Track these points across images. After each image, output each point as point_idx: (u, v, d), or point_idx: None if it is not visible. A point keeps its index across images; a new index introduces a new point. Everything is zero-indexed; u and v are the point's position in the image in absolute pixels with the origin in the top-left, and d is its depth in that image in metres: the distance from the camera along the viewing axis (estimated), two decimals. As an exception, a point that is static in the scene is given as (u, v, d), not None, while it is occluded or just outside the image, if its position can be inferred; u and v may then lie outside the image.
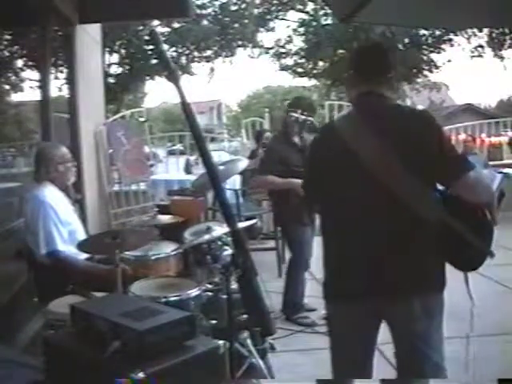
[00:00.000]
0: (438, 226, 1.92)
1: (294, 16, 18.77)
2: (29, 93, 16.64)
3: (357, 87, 2.14)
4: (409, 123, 1.98)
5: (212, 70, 17.81)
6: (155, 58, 12.70)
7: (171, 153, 11.74)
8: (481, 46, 16.68)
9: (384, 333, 2.12)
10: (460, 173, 1.91)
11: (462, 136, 9.43)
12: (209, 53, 17.00)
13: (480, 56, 16.92)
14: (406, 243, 1.95)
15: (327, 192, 2.12)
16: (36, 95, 15.32)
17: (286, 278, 4.39)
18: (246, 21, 16.41)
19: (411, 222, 1.93)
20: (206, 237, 2.91)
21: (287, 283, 4.35)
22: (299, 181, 3.96)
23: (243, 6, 16.66)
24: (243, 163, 3.52)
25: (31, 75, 15.73)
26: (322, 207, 2.20)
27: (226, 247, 2.98)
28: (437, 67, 17.43)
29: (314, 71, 18.86)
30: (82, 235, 3.24)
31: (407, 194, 1.91)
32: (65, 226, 3.12)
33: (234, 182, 6.47)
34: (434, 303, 2.01)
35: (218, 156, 8.29)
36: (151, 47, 13.24)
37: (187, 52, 16.76)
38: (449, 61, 17.50)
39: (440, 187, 2.02)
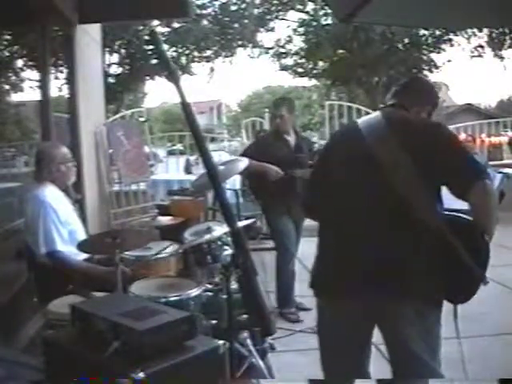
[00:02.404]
0: (434, 254, 1.93)
1: (294, 16, 18.86)
2: (29, 93, 16.66)
3: (388, 100, 2.23)
4: (423, 136, 2.00)
5: (212, 69, 17.84)
6: (155, 58, 12.68)
7: (171, 153, 11.76)
8: (481, 46, 16.71)
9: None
10: (478, 178, 1.90)
11: (462, 136, 9.43)
12: (209, 53, 17.02)
13: (480, 56, 16.95)
14: (405, 248, 1.94)
15: (332, 191, 2.12)
16: (36, 95, 15.33)
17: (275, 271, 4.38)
18: (246, 21, 16.42)
19: (413, 229, 1.93)
20: (206, 237, 2.91)
21: (276, 277, 4.33)
22: (273, 166, 4.08)
23: (243, 5, 16.67)
24: (243, 163, 3.52)
25: (31, 75, 15.77)
26: (323, 206, 2.18)
27: (226, 247, 2.98)
28: (437, 67, 17.45)
29: (314, 71, 18.89)
30: (82, 235, 3.23)
31: (412, 201, 1.91)
32: (65, 226, 3.12)
33: (233, 182, 6.48)
34: (428, 307, 1.99)
35: (218, 156, 8.30)
36: (151, 47, 13.24)
37: (187, 52, 16.77)
38: (449, 61, 17.56)
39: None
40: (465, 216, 1.97)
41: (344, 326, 2.06)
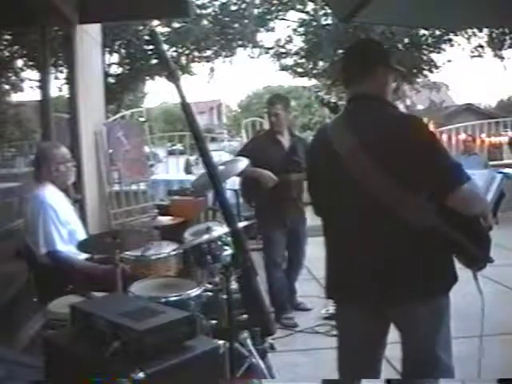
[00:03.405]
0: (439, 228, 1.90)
1: (294, 16, 18.75)
2: (29, 93, 16.65)
3: (347, 90, 2.11)
4: (396, 132, 1.90)
5: (212, 69, 17.81)
6: (155, 58, 12.69)
7: (171, 153, 11.75)
8: (481, 46, 16.67)
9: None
10: (453, 186, 1.84)
11: (462, 136, 9.44)
12: (209, 53, 16.98)
13: (480, 56, 16.92)
14: (403, 245, 1.93)
15: (324, 196, 2.13)
16: (36, 95, 15.32)
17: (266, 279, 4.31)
18: (246, 21, 16.40)
19: (404, 226, 1.89)
20: (206, 237, 2.91)
21: (267, 285, 4.24)
22: (266, 172, 4.01)
23: (243, 6, 16.64)
24: (243, 163, 3.52)
25: (31, 75, 15.73)
26: (323, 211, 2.19)
27: (226, 247, 2.98)
28: (437, 67, 17.42)
29: (314, 71, 18.87)
30: (81, 235, 3.24)
31: (395, 200, 1.87)
32: (64, 226, 3.12)
33: (233, 182, 6.46)
34: (438, 303, 1.99)
35: (218, 156, 8.30)
36: (151, 47, 13.23)
37: (187, 52, 16.75)
38: (449, 61, 17.50)
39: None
40: None
41: (359, 327, 2.06)
